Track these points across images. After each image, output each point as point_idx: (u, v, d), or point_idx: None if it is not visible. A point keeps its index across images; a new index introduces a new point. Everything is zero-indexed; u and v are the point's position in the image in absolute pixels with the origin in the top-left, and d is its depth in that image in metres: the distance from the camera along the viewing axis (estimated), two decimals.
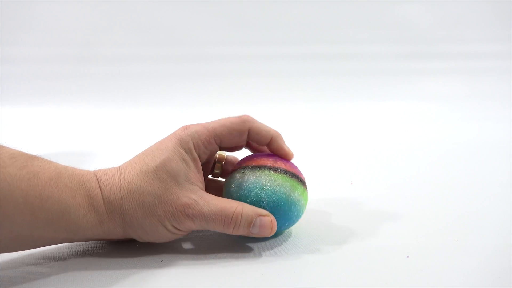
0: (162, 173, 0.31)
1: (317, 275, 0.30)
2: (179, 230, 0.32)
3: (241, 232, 0.32)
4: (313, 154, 0.43)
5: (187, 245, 0.35)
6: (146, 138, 0.40)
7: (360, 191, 0.45)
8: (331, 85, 0.85)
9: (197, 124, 0.34)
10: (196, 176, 0.33)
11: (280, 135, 0.36)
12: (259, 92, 0.81)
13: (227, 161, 0.38)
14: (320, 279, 0.30)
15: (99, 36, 0.86)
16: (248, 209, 0.32)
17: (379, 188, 0.46)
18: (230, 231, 0.32)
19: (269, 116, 0.46)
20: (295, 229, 0.37)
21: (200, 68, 0.85)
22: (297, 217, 0.35)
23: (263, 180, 0.33)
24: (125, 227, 0.31)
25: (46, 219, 0.28)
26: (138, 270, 0.31)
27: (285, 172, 0.34)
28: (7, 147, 0.29)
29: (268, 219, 0.33)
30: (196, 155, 0.32)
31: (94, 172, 0.32)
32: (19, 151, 0.29)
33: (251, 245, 0.34)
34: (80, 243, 0.35)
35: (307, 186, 0.36)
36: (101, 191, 0.31)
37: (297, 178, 0.35)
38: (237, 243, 0.35)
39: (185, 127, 0.33)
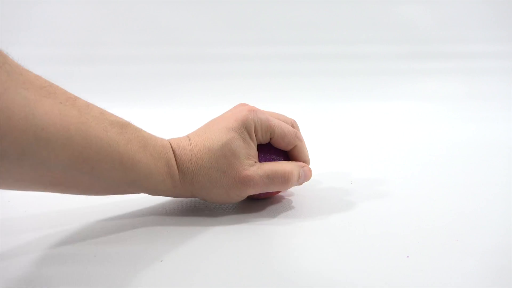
0: (227, 151, 0.36)
1: (317, 275, 0.31)
2: (242, 196, 0.38)
3: (293, 185, 0.40)
4: (313, 154, 0.43)
5: (187, 245, 0.35)
6: None
7: (360, 191, 0.45)
8: (331, 85, 0.85)
9: (262, 112, 0.39)
10: (254, 153, 0.38)
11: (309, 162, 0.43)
12: (259, 92, 0.81)
13: None
14: (319, 279, 0.30)
15: (99, 36, 0.86)
16: (293, 165, 0.39)
17: (379, 188, 0.46)
18: (287, 188, 0.39)
19: None
20: (294, 229, 0.37)
21: (200, 68, 0.85)
22: None
23: None
24: (194, 193, 0.38)
25: (133, 178, 0.34)
26: (138, 270, 0.31)
27: None
28: (107, 113, 0.33)
29: (308, 168, 0.40)
30: (254, 137, 0.38)
31: (170, 142, 0.37)
32: (115, 118, 0.34)
33: (251, 245, 0.35)
34: (80, 245, 0.35)
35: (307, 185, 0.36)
36: (176, 163, 0.36)
37: None
38: (237, 243, 0.35)
39: (252, 110, 0.38)
